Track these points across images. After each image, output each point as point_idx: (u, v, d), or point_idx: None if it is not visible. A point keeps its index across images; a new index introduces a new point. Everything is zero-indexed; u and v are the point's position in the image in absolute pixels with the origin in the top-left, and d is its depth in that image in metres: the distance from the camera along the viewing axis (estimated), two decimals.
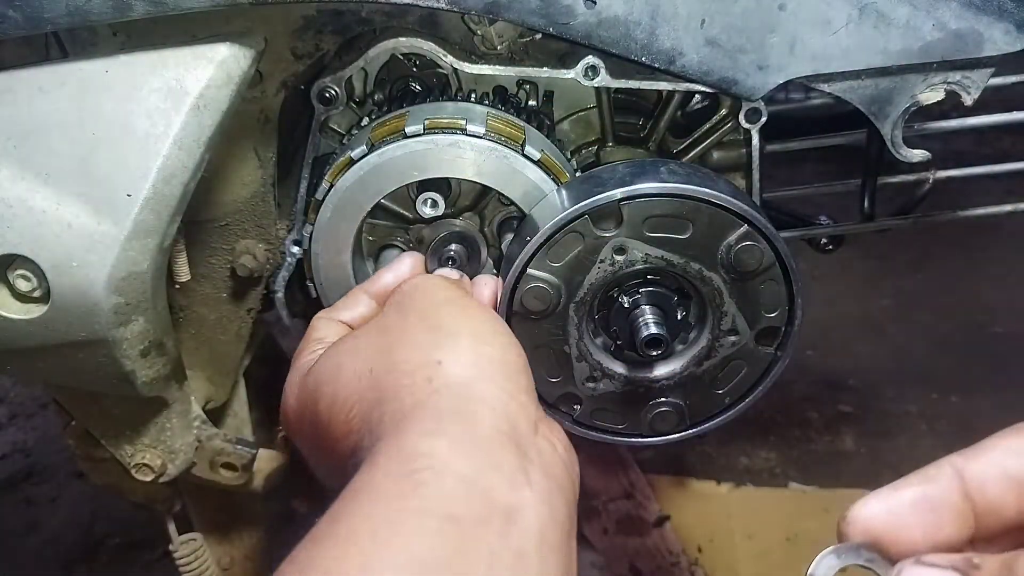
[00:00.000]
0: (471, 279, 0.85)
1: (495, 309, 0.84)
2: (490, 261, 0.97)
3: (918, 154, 0.90)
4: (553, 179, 0.87)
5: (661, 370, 0.88)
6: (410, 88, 0.97)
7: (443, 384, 0.63)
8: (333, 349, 0.74)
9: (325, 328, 0.80)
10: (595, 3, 0.79)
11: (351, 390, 0.68)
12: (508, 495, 0.56)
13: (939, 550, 0.45)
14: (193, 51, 0.79)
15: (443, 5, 0.79)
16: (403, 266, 0.84)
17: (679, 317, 0.86)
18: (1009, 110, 1.09)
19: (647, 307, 0.83)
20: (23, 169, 0.78)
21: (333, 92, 0.92)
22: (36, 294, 0.82)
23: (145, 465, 1.01)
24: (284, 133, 0.96)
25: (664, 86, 0.89)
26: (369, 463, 0.58)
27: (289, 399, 0.77)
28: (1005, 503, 0.46)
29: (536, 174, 0.86)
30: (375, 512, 0.53)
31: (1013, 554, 0.41)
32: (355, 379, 0.68)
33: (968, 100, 0.86)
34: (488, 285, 0.83)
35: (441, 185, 0.89)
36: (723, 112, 0.96)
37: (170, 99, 0.78)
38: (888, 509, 0.47)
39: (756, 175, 0.96)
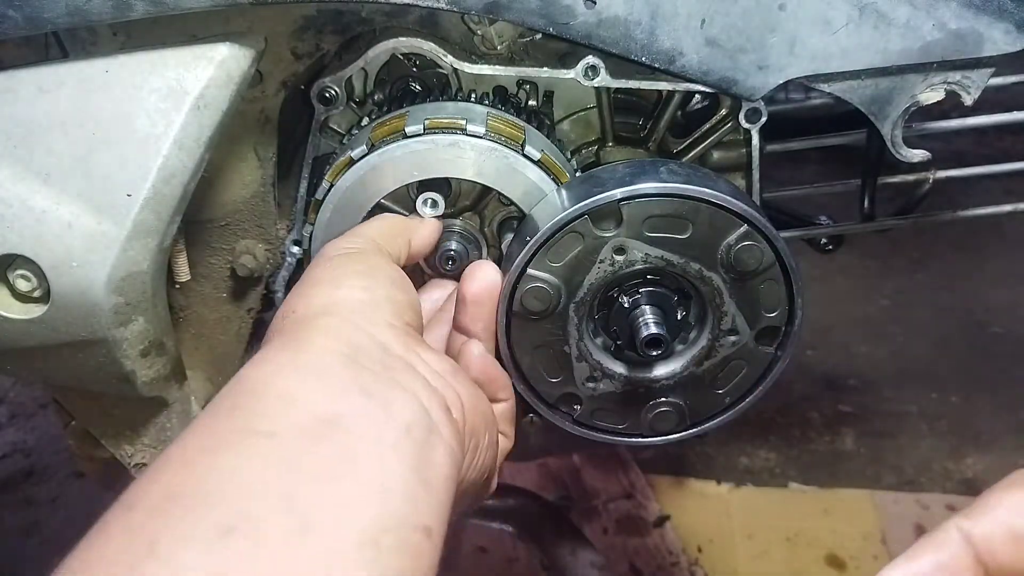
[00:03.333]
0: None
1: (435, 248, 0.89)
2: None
3: (918, 154, 0.90)
4: (553, 179, 0.87)
5: (661, 370, 0.88)
6: (410, 88, 0.97)
7: (288, 323, 0.70)
8: None
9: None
10: (595, 3, 0.79)
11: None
12: (329, 405, 0.59)
13: None
14: (193, 51, 0.79)
15: (443, 5, 0.79)
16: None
17: (679, 317, 0.86)
18: (1009, 110, 1.10)
19: (647, 307, 0.83)
20: (23, 169, 0.78)
21: (333, 92, 0.92)
22: (36, 294, 0.82)
23: (145, 465, 1.01)
24: (284, 133, 0.96)
25: (664, 86, 0.89)
26: None
27: None
28: (1016, 561, 0.46)
29: (536, 174, 0.86)
30: (196, 437, 0.57)
31: None
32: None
33: (968, 100, 0.86)
34: (427, 226, 0.88)
35: (441, 185, 0.89)
36: (723, 112, 0.96)
37: (170, 99, 0.78)
38: None
39: (756, 175, 0.96)
